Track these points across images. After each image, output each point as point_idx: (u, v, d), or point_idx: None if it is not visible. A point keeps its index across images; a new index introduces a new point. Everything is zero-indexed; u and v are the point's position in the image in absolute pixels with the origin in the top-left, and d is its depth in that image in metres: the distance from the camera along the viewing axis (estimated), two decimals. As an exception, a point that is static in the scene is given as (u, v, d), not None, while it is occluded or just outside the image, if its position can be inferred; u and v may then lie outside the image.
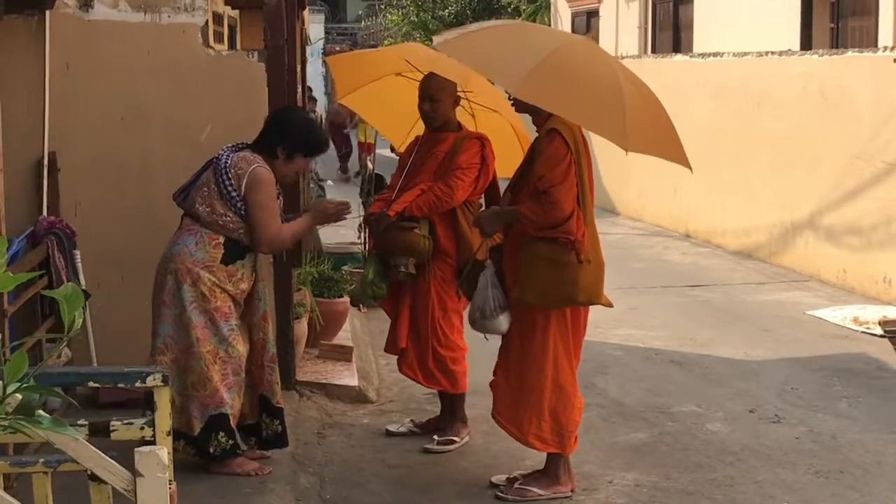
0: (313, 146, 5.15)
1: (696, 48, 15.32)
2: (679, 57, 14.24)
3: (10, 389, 2.01)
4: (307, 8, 12.97)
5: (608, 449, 5.77)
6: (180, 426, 4.85)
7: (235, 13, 12.37)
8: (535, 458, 5.27)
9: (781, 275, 10.71)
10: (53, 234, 5.65)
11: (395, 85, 6.18)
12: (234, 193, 4.85)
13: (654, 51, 17.47)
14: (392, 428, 5.99)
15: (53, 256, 5.57)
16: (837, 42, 12.71)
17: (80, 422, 2.96)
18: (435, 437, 5.78)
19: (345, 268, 8.70)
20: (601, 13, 19.08)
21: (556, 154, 4.81)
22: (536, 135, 5.01)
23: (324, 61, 32.88)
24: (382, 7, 34.07)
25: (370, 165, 11.41)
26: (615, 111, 4.65)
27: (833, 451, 5.75)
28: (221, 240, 4.87)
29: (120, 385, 3.35)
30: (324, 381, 6.59)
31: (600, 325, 7.68)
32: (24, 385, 2.03)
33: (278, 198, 4.99)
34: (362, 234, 9.69)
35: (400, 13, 31.18)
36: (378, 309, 7.98)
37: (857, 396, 6.73)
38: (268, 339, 5.09)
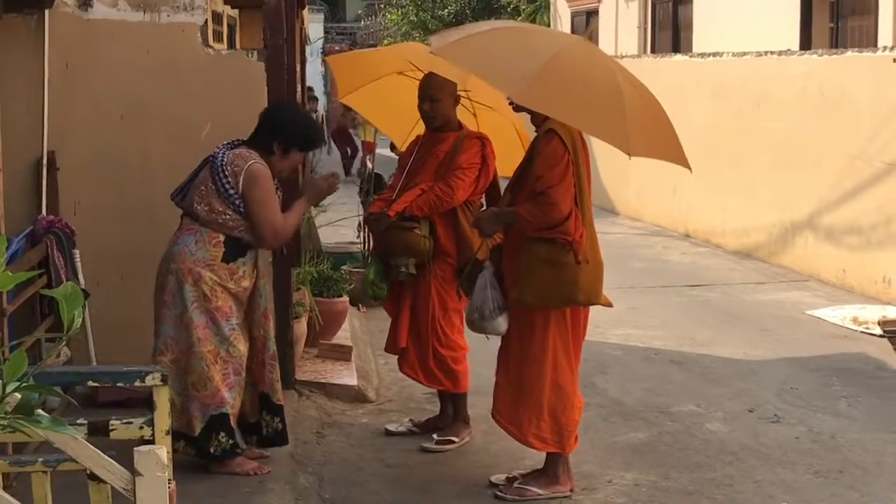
0: (309, 140, 5.14)
1: (696, 48, 15.32)
2: (678, 57, 14.24)
3: (9, 388, 2.01)
4: (306, 7, 12.98)
5: (607, 448, 5.77)
6: (180, 427, 4.85)
7: (235, 12, 12.36)
8: (535, 458, 5.27)
9: (781, 274, 10.71)
10: (53, 233, 5.65)
11: (396, 84, 6.18)
12: (231, 191, 4.84)
13: (653, 51, 17.47)
14: (391, 427, 5.98)
15: (52, 256, 5.57)
16: (837, 42, 12.71)
17: (79, 421, 2.96)
18: (434, 436, 5.77)
19: (344, 267, 8.70)
20: (601, 13, 19.08)
21: (554, 155, 4.81)
22: (535, 134, 5.01)
23: (323, 60, 32.88)
24: (382, 6, 34.08)
25: (369, 165, 11.41)
26: (616, 115, 4.64)
27: (832, 450, 5.75)
28: (221, 238, 4.87)
29: (119, 384, 3.35)
30: (323, 381, 6.59)
31: (600, 325, 7.68)
32: (24, 384, 2.03)
33: (277, 192, 4.99)
34: (362, 234, 9.70)
35: (399, 13, 31.19)
36: (377, 308, 7.99)
37: (856, 396, 6.73)
38: (268, 336, 5.08)
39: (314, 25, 30.06)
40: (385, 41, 31.29)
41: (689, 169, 4.84)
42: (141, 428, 3.03)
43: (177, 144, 5.93)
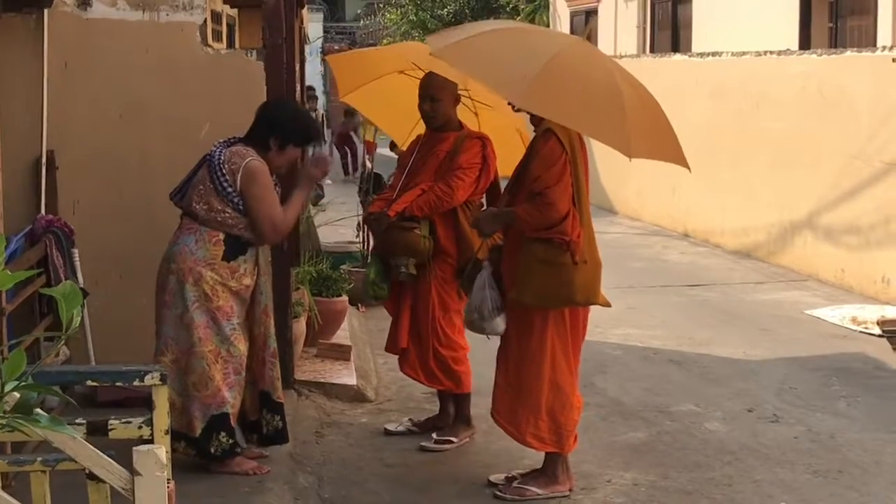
0: (305, 135, 5.13)
1: (695, 48, 15.33)
2: (678, 56, 14.25)
3: (8, 388, 2.01)
4: (306, 6, 12.98)
5: (606, 448, 5.77)
6: (181, 427, 4.84)
7: (234, 12, 12.35)
8: (534, 458, 5.27)
9: (780, 274, 10.71)
10: (52, 232, 5.65)
11: (397, 83, 6.17)
12: (229, 189, 4.84)
13: (652, 50, 17.47)
14: (390, 427, 5.98)
15: (52, 255, 5.57)
16: (836, 42, 12.72)
17: (77, 420, 2.96)
18: (433, 435, 5.77)
19: (343, 267, 8.69)
20: (600, 12, 19.08)
21: (551, 155, 4.81)
22: (534, 134, 5.01)
23: (323, 60, 32.86)
24: (381, 6, 34.07)
25: (368, 164, 11.41)
26: (616, 117, 4.63)
27: (831, 450, 5.75)
28: (221, 236, 4.87)
29: (118, 384, 3.34)
30: (322, 381, 6.58)
31: (599, 325, 7.68)
32: (22, 383, 2.03)
33: (276, 188, 4.98)
34: (361, 234, 9.70)
35: (398, 12, 31.19)
36: (376, 308, 7.99)
37: (855, 396, 6.73)
38: (269, 333, 5.08)
39: (313, 25, 30.06)
40: (384, 41, 31.30)
41: (689, 169, 4.84)
42: (140, 427, 3.03)
43: (176, 144, 5.93)
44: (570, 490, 5.10)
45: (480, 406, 5.73)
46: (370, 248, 9.18)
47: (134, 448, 2.70)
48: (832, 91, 10.20)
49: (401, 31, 30.90)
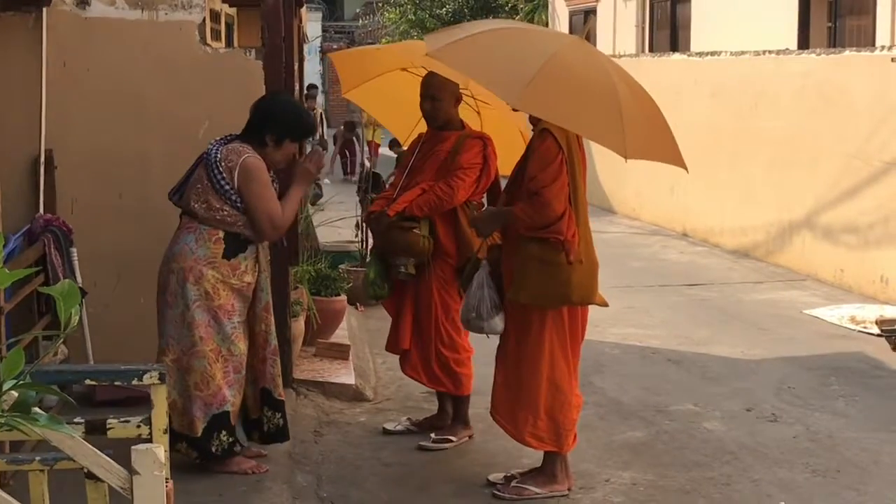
0: (301, 129, 5.13)
1: (694, 47, 15.33)
2: (677, 56, 14.25)
3: (6, 387, 2.01)
4: (304, 6, 12.97)
5: (605, 447, 5.77)
6: (182, 429, 4.84)
7: (233, 11, 12.35)
8: (533, 457, 5.27)
9: (779, 274, 10.72)
10: (50, 231, 5.65)
11: (399, 80, 6.15)
12: (227, 187, 4.83)
13: (651, 50, 17.48)
14: (389, 426, 5.98)
15: (50, 254, 5.57)
16: (835, 41, 12.72)
17: (76, 420, 2.96)
18: (432, 435, 5.77)
19: (342, 266, 8.69)
20: (598, 12, 19.08)
21: (547, 154, 4.81)
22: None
23: (322, 58, 32.80)
24: (380, 5, 34.06)
25: (367, 164, 11.41)
26: (613, 118, 4.62)
27: (830, 449, 5.75)
28: (221, 235, 4.86)
29: (116, 383, 3.34)
30: (321, 380, 6.58)
31: (598, 324, 7.68)
32: (21, 382, 2.02)
33: (273, 184, 4.98)
34: (360, 233, 9.70)
35: (397, 11, 31.19)
36: (375, 307, 7.99)
37: (854, 395, 6.74)
38: (270, 330, 5.08)
39: (312, 24, 30.08)
40: (383, 40, 31.30)
41: (686, 170, 4.84)
42: (138, 426, 3.03)
43: (175, 143, 5.93)
44: (569, 489, 5.10)
45: (479, 405, 5.73)
46: (369, 247, 9.20)
47: (132, 447, 2.69)
48: (831, 91, 10.21)
49: (399, 30, 30.90)
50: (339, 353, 7.06)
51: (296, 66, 8.33)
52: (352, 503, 5.02)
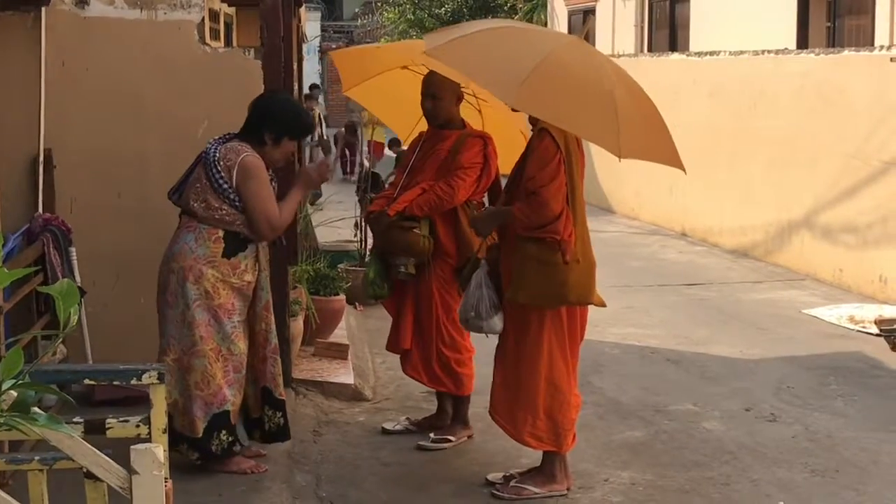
0: (299, 128, 5.13)
1: (693, 47, 15.34)
2: (675, 56, 14.25)
3: (5, 386, 2.01)
4: (303, 5, 12.98)
5: (604, 447, 5.77)
6: (183, 429, 4.84)
7: (232, 10, 12.34)
8: (532, 456, 5.27)
9: (777, 273, 10.72)
10: (49, 230, 5.65)
11: (400, 78, 6.13)
12: (225, 186, 4.83)
13: (650, 49, 17.49)
14: (388, 426, 5.98)
15: (49, 253, 5.56)
16: (834, 41, 12.73)
17: (75, 419, 2.96)
18: (431, 434, 5.77)
19: (341, 266, 8.69)
20: (597, 11, 19.08)
21: (545, 154, 4.81)
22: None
23: (321, 57, 32.77)
24: (379, 5, 34.07)
25: (366, 164, 11.41)
26: (608, 117, 4.61)
27: (829, 449, 5.75)
28: (220, 234, 4.86)
29: (115, 382, 3.34)
30: (320, 379, 6.58)
31: (597, 324, 7.67)
32: (20, 382, 2.02)
33: (272, 183, 4.98)
34: (359, 233, 9.70)
35: (396, 11, 31.20)
36: (374, 307, 7.98)
37: (852, 395, 6.74)
38: (270, 329, 5.08)
39: (311, 23, 30.08)
40: (382, 39, 31.30)
41: (684, 170, 4.83)
42: (137, 426, 3.03)
43: (173, 142, 5.93)
44: (568, 489, 5.10)
45: (478, 405, 5.73)
46: (368, 246, 9.19)
47: (131, 446, 2.69)
48: (830, 90, 10.21)
49: (398, 29, 30.91)
50: (338, 352, 7.06)
51: (295, 66, 8.33)
52: (351, 503, 5.02)
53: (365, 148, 14.05)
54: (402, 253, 5.62)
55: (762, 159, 11.36)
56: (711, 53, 12.74)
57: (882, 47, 9.93)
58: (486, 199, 5.79)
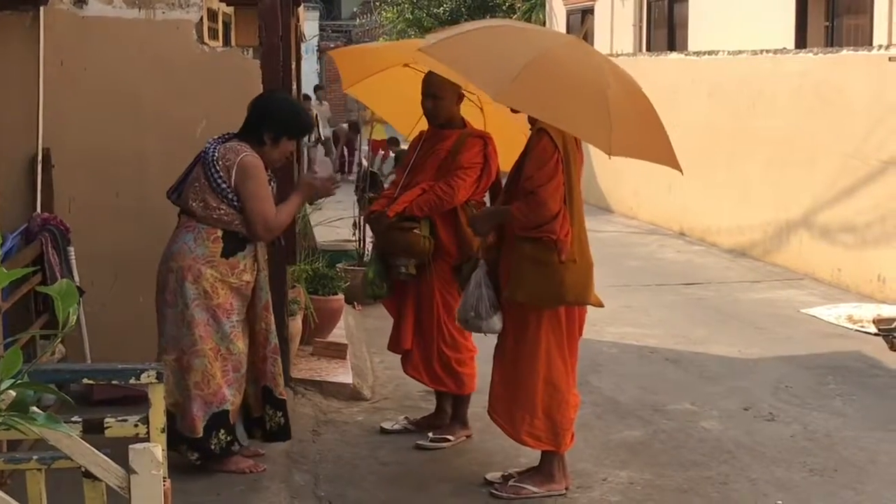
0: (298, 128, 5.13)
1: (691, 46, 15.34)
2: (674, 55, 14.26)
3: (4, 386, 2.01)
4: (302, 5, 12.98)
5: (602, 447, 5.77)
6: (183, 430, 4.84)
7: (230, 10, 12.34)
8: (531, 456, 5.27)
9: (776, 273, 10.72)
10: (48, 230, 5.64)
11: (401, 76, 6.12)
12: (224, 185, 4.83)
13: (648, 49, 17.49)
14: (386, 425, 5.98)
15: (48, 253, 5.56)
16: (832, 40, 12.73)
17: (74, 419, 2.96)
18: (429, 434, 5.77)
19: (339, 265, 8.69)
20: (596, 11, 19.09)
21: (543, 154, 4.81)
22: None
23: (319, 57, 32.76)
24: (377, 4, 34.08)
25: (365, 163, 11.40)
26: (600, 115, 4.60)
27: (827, 448, 5.76)
28: (219, 233, 4.86)
29: (114, 382, 3.34)
30: (318, 379, 6.58)
31: (595, 323, 7.67)
32: (19, 381, 2.02)
33: (270, 183, 4.98)
34: (357, 232, 9.70)
35: (395, 10, 31.21)
36: (373, 306, 7.99)
37: (851, 394, 6.74)
38: (270, 329, 5.08)
39: (309, 23, 30.08)
40: (381, 39, 31.32)
41: (680, 171, 4.82)
42: (136, 426, 3.03)
43: (172, 142, 5.92)
44: (567, 489, 5.10)
45: (477, 404, 5.73)
46: (367, 246, 9.19)
47: (130, 446, 2.69)
48: (828, 90, 10.21)
49: (397, 29, 30.93)
50: (337, 352, 7.06)
51: (293, 66, 8.32)
52: (349, 502, 5.02)
53: (364, 147, 14.04)
54: (403, 253, 5.62)
55: (761, 159, 11.37)
56: (710, 53, 12.74)
57: (880, 47, 9.94)
58: (487, 199, 5.78)
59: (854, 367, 7.38)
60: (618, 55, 15.54)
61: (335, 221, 9.99)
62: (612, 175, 14.67)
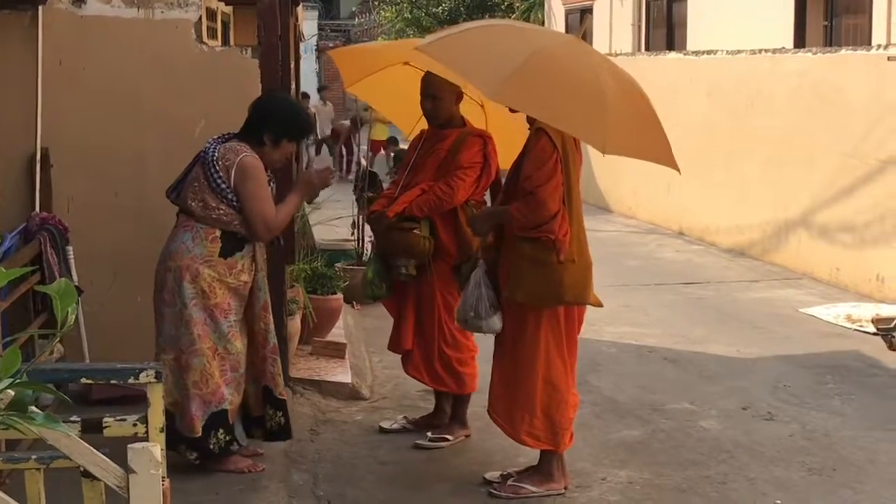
0: (298, 129, 5.13)
1: (690, 46, 15.34)
2: (673, 55, 14.26)
3: (2, 385, 2.01)
4: (301, 4, 12.98)
5: (601, 446, 5.77)
6: (182, 430, 4.84)
7: (229, 9, 12.34)
8: (530, 455, 5.27)
9: (774, 272, 10.72)
10: (46, 230, 5.64)
11: (402, 74, 6.11)
12: (223, 185, 4.83)
13: (647, 48, 17.49)
14: (385, 425, 5.98)
15: (46, 252, 5.56)
16: (831, 40, 12.74)
17: (72, 418, 2.96)
18: (428, 433, 5.77)
19: (338, 264, 8.68)
20: (595, 10, 19.08)
21: (542, 154, 4.81)
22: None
23: (318, 56, 32.74)
24: (376, 3, 34.07)
25: (363, 163, 11.41)
26: (595, 113, 4.60)
27: (826, 448, 5.76)
28: (218, 233, 4.86)
29: (113, 381, 3.34)
30: (317, 378, 6.58)
31: (594, 323, 7.68)
32: (17, 381, 2.02)
33: (270, 184, 4.98)
34: (356, 232, 9.70)
35: (394, 10, 31.22)
36: (372, 306, 7.98)
37: (849, 394, 6.74)
38: (269, 329, 5.08)
39: (308, 22, 30.08)
40: (379, 38, 31.32)
41: (678, 170, 4.82)
42: (135, 425, 3.03)
43: (171, 141, 5.92)
44: (566, 488, 5.10)
45: (477, 404, 5.73)
46: (365, 245, 9.20)
47: (129, 445, 2.69)
48: (827, 90, 10.21)
49: (395, 28, 30.93)
50: (336, 351, 7.06)
51: (292, 65, 8.32)
52: (348, 502, 5.02)
53: (364, 146, 14.03)
54: (403, 254, 5.61)
55: (759, 158, 11.37)
56: (709, 52, 12.74)
57: (879, 46, 9.94)
58: (487, 199, 5.78)
59: (853, 367, 7.38)
60: (616, 55, 15.54)
61: (334, 221, 9.99)
62: (611, 175, 14.67)
